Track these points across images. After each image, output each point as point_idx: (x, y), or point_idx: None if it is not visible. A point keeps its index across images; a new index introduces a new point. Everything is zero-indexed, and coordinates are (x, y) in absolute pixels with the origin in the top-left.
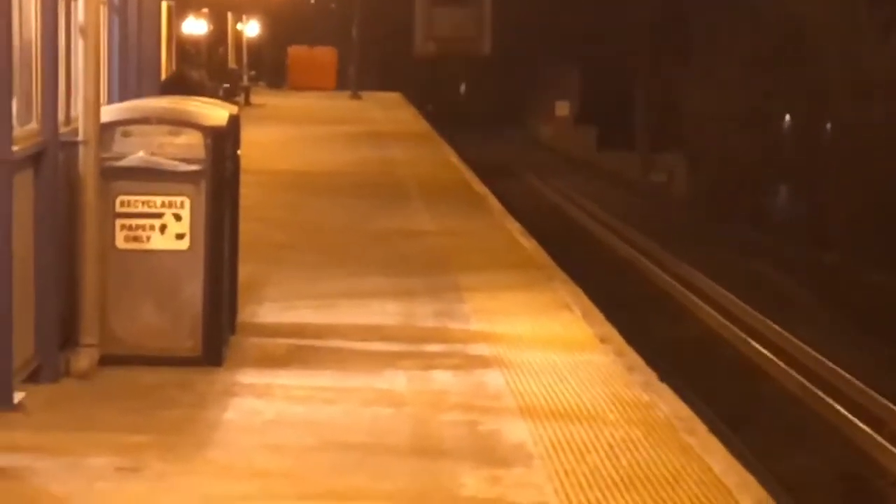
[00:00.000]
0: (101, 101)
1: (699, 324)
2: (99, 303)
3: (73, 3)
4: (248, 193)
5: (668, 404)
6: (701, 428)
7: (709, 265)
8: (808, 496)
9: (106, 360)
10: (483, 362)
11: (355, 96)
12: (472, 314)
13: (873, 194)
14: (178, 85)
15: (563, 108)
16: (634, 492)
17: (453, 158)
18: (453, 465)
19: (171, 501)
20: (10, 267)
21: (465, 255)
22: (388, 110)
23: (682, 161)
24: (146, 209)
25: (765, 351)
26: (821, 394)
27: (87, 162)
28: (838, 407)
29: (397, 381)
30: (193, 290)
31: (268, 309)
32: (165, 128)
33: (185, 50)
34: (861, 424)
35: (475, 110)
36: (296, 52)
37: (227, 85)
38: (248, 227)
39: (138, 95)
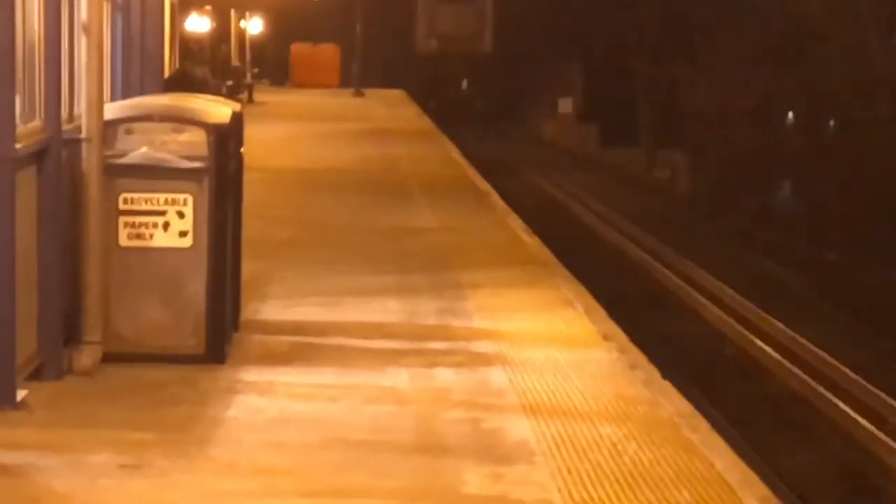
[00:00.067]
0: (105, 98)
1: (699, 320)
2: (102, 300)
3: (76, 1)
4: (252, 191)
5: (670, 401)
6: (703, 425)
7: (710, 263)
8: (811, 493)
9: (109, 358)
10: (486, 359)
11: (358, 93)
12: (475, 311)
13: (874, 194)
14: (181, 82)
15: (566, 105)
16: (637, 489)
17: (456, 155)
18: (456, 463)
19: (174, 498)
20: (13, 264)
21: (467, 252)
22: (391, 107)
23: (685, 157)
24: (149, 206)
25: (765, 346)
26: (821, 389)
27: (90, 159)
28: (838, 402)
29: (400, 378)
30: (196, 287)
31: (271, 306)
32: (168, 125)
33: (188, 47)
34: (862, 420)
35: (477, 107)
36: (299, 49)
37: (230, 82)
38: (251, 225)
39: (141, 93)
